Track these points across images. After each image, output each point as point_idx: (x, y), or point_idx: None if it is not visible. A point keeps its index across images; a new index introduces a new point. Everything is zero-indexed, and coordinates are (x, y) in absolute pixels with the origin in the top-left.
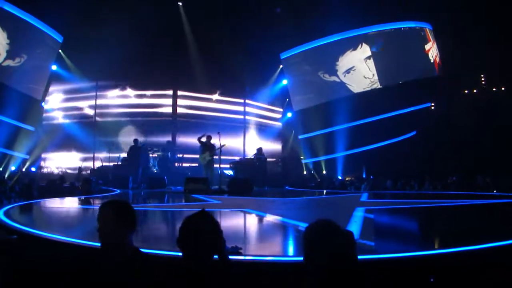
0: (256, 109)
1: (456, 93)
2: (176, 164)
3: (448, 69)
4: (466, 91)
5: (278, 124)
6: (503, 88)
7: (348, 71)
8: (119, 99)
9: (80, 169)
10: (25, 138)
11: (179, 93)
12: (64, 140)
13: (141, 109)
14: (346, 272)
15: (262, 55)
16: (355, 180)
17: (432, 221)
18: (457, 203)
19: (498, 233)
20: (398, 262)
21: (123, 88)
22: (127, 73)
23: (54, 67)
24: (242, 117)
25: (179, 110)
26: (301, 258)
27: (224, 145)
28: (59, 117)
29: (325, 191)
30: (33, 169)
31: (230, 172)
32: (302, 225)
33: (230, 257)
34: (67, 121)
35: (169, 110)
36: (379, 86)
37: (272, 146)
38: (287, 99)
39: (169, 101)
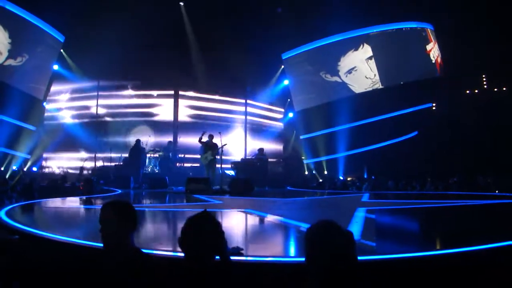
0: (257, 109)
1: (458, 93)
2: (177, 164)
3: (449, 69)
4: (467, 91)
5: (280, 124)
6: (504, 88)
7: (349, 72)
8: (120, 99)
9: (81, 169)
10: (26, 138)
11: (181, 93)
12: (65, 140)
13: (142, 109)
14: (347, 273)
15: (264, 55)
16: (357, 180)
17: (433, 221)
18: (459, 203)
19: (499, 234)
20: (399, 262)
21: (124, 88)
22: (128, 73)
23: (55, 67)
24: (243, 117)
25: (181, 110)
26: (303, 259)
27: (226, 144)
28: (61, 117)
29: (326, 191)
30: (34, 169)
31: (231, 172)
32: (304, 226)
33: (232, 257)
34: (68, 120)
35: (170, 110)
36: (381, 87)
37: (274, 146)
38: (289, 99)
39: (171, 101)
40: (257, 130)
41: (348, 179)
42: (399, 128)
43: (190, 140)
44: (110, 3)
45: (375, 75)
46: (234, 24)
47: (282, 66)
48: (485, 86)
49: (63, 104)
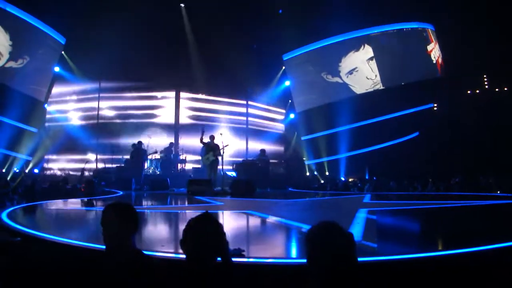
0: (258, 110)
1: (459, 93)
2: (178, 165)
3: (450, 69)
4: (468, 92)
5: (281, 125)
6: (505, 89)
7: (350, 72)
8: (121, 100)
9: (82, 170)
10: (27, 140)
11: (182, 94)
12: (66, 141)
13: (143, 110)
14: (349, 274)
15: (265, 56)
16: (358, 181)
17: (435, 222)
18: (460, 204)
19: (501, 234)
20: (400, 264)
21: (125, 90)
22: (129, 75)
23: (56, 69)
24: (244, 118)
25: (182, 111)
26: (304, 260)
27: (227, 145)
28: (62, 119)
29: (328, 192)
30: (36, 170)
31: (232, 173)
32: (305, 227)
33: (233, 259)
34: (69, 122)
35: (171, 111)
36: (382, 87)
37: (275, 148)
38: (290, 101)
39: (172, 102)
40: (258, 131)
41: (350, 180)
42: (400, 129)
43: (192, 141)
44: (111, 4)
45: (376, 75)
46: (235, 25)
47: (283, 67)
48: (486, 86)
49: (64, 106)
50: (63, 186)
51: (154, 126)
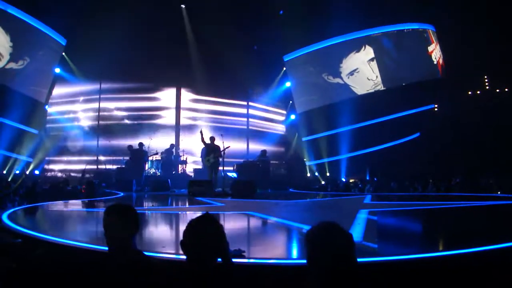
0: (259, 111)
1: (460, 94)
2: (179, 166)
3: (451, 70)
4: (469, 93)
5: (282, 126)
6: (506, 89)
7: (351, 73)
8: (122, 102)
9: (83, 172)
10: (28, 141)
11: (182, 95)
12: (67, 143)
13: (144, 111)
14: (349, 274)
15: (265, 57)
16: (359, 182)
17: (435, 223)
18: (461, 205)
19: (501, 235)
20: (401, 264)
21: (126, 91)
22: (129, 76)
23: (57, 70)
24: (245, 119)
25: (182, 112)
26: (304, 261)
27: (229, 146)
28: (63, 120)
29: (328, 193)
30: (36, 172)
31: (233, 174)
32: (305, 228)
33: (233, 260)
34: (70, 124)
35: (172, 112)
36: (383, 88)
37: (276, 148)
38: (290, 101)
39: (172, 103)
40: (259, 132)
41: (351, 180)
42: (401, 130)
43: (193, 142)
44: (111, 4)
45: (377, 76)
46: (235, 26)
47: (284, 68)
48: (487, 87)
49: (65, 107)
50: (64, 187)
51: (154, 127)
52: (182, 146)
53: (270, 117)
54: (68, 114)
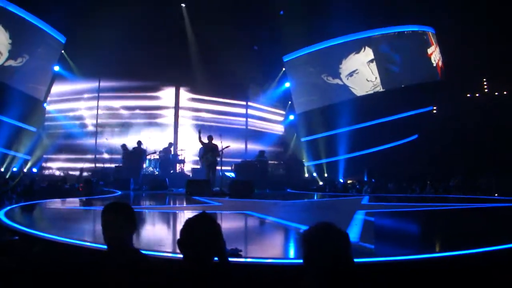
0: (258, 111)
1: (458, 96)
2: (177, 165)
3: (450, 73)
4: (468, 95)
5: (280, 126)
6: (505, 92)
7: (351, 74)
8: (121, 100)
9: (81, 170)
10: (26, 139)
11: (181, 94)
12: (65, 141)
13: (143, 110)
14: (346, 274)
15: (265, 57)
16: (356, 183)
17: (432, 224)
18: (458, 206)
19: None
20: (397, 265)
21: (125, 90)
22: (129, 75)
23: (56, 68)
24: (244, 119)
25: (181, 111)
26: (301, 261)
27: (228, 146)
28: (61, 118)
29: (326, 193)
30: (34, 170)
31: (231, 174)
32: (303, 228)
33: (230, 259)
34: (69, 122)
35: (171, 111)
36: (382, 90)
37: (274, 149)
38: (290, 102)
39: (172, 102)
40: (257, 132)
41: (348, 181)
42: (400, 131)
43: (191, 141)
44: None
45: (376, 78)
46: (235, 26)
47: (284, 69)
48: (486, 90)
49: (64, 105)
50: (62, 185)
51: (153, 126)
52: (180, 145)
53: (269, 118)
54: (66, 112)
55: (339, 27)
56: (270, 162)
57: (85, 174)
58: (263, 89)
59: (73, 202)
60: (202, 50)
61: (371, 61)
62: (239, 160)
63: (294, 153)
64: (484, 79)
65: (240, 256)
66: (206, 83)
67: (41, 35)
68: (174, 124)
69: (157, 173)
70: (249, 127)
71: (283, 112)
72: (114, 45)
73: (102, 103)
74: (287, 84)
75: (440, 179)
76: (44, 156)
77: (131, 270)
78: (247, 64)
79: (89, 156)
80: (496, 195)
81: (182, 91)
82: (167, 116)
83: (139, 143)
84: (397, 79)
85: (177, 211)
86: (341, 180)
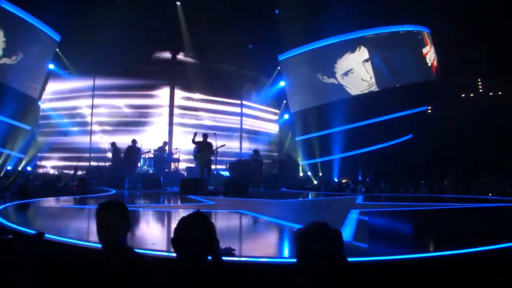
0: (253, 110)
1: (453, 96)
2: (172, 164)
3: (445, 73)
4: (463, 95)
5: (275, 125)
6: (500, 93)
7: (346, 74)
8: (116, 99)
9: (75, 169)
10: (21, 137)
11: (176, 93)
12: (60, 139)
13: (138, 109)
14: (339, 273)
15: (260, 56)
16: (351, 182)
17: (425, 224)
18: (451, 206)
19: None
20: (391, 264)
21: (120, 88)
22: (123, 73)
23: (51, 66)
24: (239, 118)
25: (176, 110)
26: (295, 260)
27: (224, 145)
28: (56, 116)
29: (320, 192)
30: (29, 168)
31: (226, 173)
32: (297, 227)
33: (223, 258)
34: (63, 120)
35: (165, 110)
36: (377, 89)
37: (269, 148)
38: (284, 101)
39: (166, 101)
40: (252, 131)
41: (343, 181)
42: (394, 131)
43: (185, 140)
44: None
45: (371, 77)
46: (231, 25)
47: (279, 68)
48: (481, 90)
49: (58, 103)
50: (56, 184)
51: (148, 124)
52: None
53: (263, 116)
54: (61, 111)
55: (334, 27)
56: (264, 161)
57: (79, 172)
58: (258, 88)
59: (67, 201)
60: (197, 48)
61: (366, 60)
62: (234, 159)
63: (288, 152)
64: (479, 79)
65: (233, 255)
66: (201, 82)
67: (36, 33)
68: (168, 122)
69: (151, 171)
70: (243, 126)
71: (278, 111)
72: (109, 43)
73: (97, 101)
74: (282, 83)
75: (435, 179)
76: (39, 154)
77: (125, 269)
78: (242, 63)
79: (84, 155)
80: (490, 195)
81: (177, 89)
82: (162, 115)
83: (134, 141)
84: (392, 78)
85: (171, 210)
86: (336, 180)
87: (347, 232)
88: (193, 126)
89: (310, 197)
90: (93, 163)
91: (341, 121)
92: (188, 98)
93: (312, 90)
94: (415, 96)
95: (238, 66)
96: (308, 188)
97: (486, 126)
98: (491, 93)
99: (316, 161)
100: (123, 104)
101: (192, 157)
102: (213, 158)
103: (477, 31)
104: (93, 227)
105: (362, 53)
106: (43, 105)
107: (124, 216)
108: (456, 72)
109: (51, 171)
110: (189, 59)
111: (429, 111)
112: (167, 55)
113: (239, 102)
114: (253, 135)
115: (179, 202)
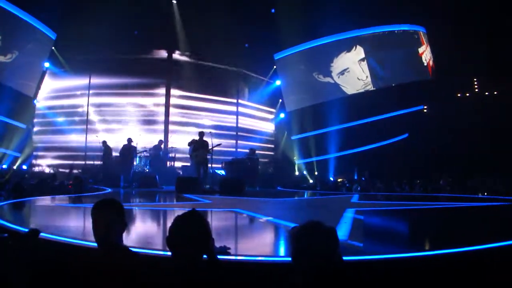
0: (248, 109)
1: (449, 96)
2: (168, 163)
3: (441, 72)
4: (458, 94)
5: (271, 124)
6: (495, 92)
7: (342, 73)
8: (111, 97)
9: (71, 167)
10: (16, 136)
11: (172, 92)
12: (55, 138)
13: (133, 107)
14: (334, 272)
15: (256, 55)
16: (346, 181)
17: (421, 223)
18: (447, 205)
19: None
20: (386, 263)
21: (116, 86)
22: (119, 72)
23: (47, 64)
24: (234, 117)
25: (172, 109)
26: (289, 259)
27: (220, 144)
28: (51, 115)
29: (316, 192)
30: (24, 167)
31: (222, 172)
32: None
33: (219, 256)
34: (59, 119)
35: (161, 109)
36: (373, 88)
37: (264, 146)
38: (280, 100)
39: (162, 99)
40: (248, 130)
41: (339, 180)
42: (390, 130)
43: (181, 139)
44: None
45: (367, 76)
46: (227, 23)
47: (275, 66)
48: (476, 90)
49: (54, 102)
50: (51, 182)
51: (144, 123)
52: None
53: (259, 115)
54: (56, 109)
55: (330, 26)
56: (260, 160)
57: (75, 171)
58: (253, 87)
59: (62, 200)
60: (193, 47)
61: (362, 59)
62: (230, 158)
63: (284, 151)
64: (475, 79)
65: (229, 254)
66: (197, 81)
67: (31, 31)
68: (164, 121)
69: (147, 170)
70: (239, 125)
71: (274, 110)
72: (104, 42)
73: (93, 100)
74: (278, 82)
75: (430, 178)
76: (34, 153)
77: (121, 268)
78: (238, 61)
79: (80, 153)
80: (485, 194)
81: (173, 88)
82: (158, 113)
83: (129, 140)
84: (388, 78)
85: (166, 209)
86: (331, 179)
87: (343, 231)
88: (188, 124)
89: (305, 196)
90: (89, 162)
91: (337, 120)
92: (184, 97)
93: (308, 89)
94: (411, 95)
95: (234, 65)
96: (304, 187)
97: (482, 125)
98: (486, 93)
99: (312, 160)
100: (118, 102)
101: (188, 155)
102: (209, 157)
103: (473, 31)
104: (89, 226)
105: (358, 52)
106: (38, 104)
107: (120, 215)
108: (451, 72)
109: (47, 170)
110: (185, 58)
111: (425, 110)
112: (163, 53)
113: (235, 101)
114: (249, 134)
115: (174, 200)
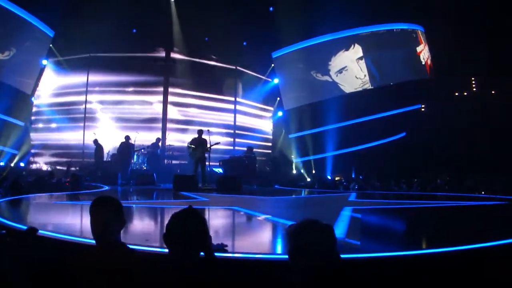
0: (246, 107)
1: (447, 95)
2: (165, 161)
3: (439, 71)
4: (456, 94)
5: (269, 122)
6: (493, 92)
7: (340, 71)
8: (109, 95)
9: (68, 165)
10: (14, 133)
11: (170, 90)
12: (53, 135)
13: (131, 105)
14: (331, 271)
15: (254, 53)
16: (344, 179)
17: (418, 221)
18: (445, 204)
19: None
20: (383, 261)
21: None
22: (117, 69)
23: (44, 62)
24: (232, 115)
25: (169, 107)
26: (287, 256)
27: (219, 142)
28: (49, 112)
29: (314, 190)
30: (22, 164)
31: (219, 170)
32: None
33: (216, 254)
34: (56, 116)
35: (159, 106)
36: (371, 87)
37: (262, 145)
38: (278, 98)
39: (160, 97)
40: (245, 128)
41: (336, 178)
42: (388, 129)
43: (179, 137)
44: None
45: (365, 75)
46: (225, 22)
47: (273, 65)
48: (474, 89)
49: (51, 99)
50: (49, 180)
51: (141, 121)
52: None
53: (257, 114)
54: (54, 106)
55: (329, 24)
56: (258, 158)
57: (72, 169)
58: (251, 85)
59: (60, 197)
60: (190, 45)
61: (360, 58)
62: (227, 156)
63: (282, 150)
64: (473, 78)
65: (226, 251)
66: (195, 79)
67: (29, 29)
68: (162, 119)
69: (145, 168)
70: (237, 123)
71: (272, 108)
72: (102, 40)
73: (90, 97)
74: (276, 80)
75: (428, 177)
76: (32, 150)
77: (119, 265)
78: (236, 60)
79: (77, 151)
80: (483, 192)
81: (170, 86)
82: (156, 111)
83: (127, 138)
84: (386, 76)
85: (164, 206)
86: (329, 177)
87: (340, 229)
88: (186, 122)
89: (303, 194)
90: (86, 160)
91: (334, 119)
92: (182, 95)
93: (306, 88)
94: (409, 94)
95: (232, 63)
96: (302, 185)
97: (481, 125)
98: (485, 93)
99: (310, 158)
100: (116, 100)
101: (185, 153)
102: (206, 155)
103: (472, 31)
104: (87, 223)
105: (356, 51)
106: (36, 101)
107: (118, 212)
108: (451, 71)
109: (44, 167)
110: (183, 56)
111: (423, 109)
112: (161, 52)
113: (232, 99)
114: (247, 132)
115: (172, 198)
